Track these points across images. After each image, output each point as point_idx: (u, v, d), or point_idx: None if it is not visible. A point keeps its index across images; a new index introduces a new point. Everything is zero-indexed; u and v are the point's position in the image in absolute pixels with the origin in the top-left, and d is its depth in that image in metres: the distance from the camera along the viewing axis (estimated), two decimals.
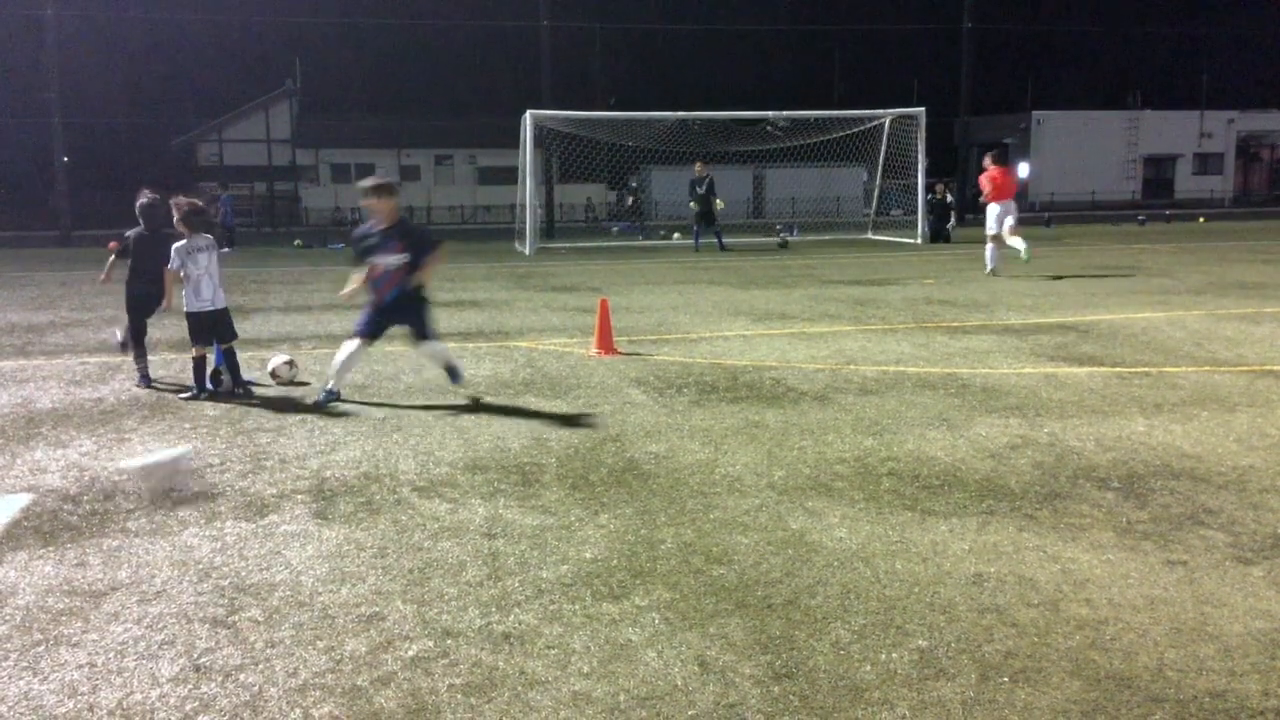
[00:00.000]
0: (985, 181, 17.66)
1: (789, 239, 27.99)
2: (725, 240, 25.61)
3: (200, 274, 8.01)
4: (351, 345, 7.76)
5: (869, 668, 3.45)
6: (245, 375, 8.68)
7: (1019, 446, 6.21)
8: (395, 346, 10.48)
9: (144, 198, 8.53)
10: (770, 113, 29.16)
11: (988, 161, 18.00)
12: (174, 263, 7.94)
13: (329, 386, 7.78)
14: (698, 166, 24.86)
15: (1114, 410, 7.13)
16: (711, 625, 3.79)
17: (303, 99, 55.35)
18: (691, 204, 25.12)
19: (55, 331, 12.05)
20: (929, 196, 28.21)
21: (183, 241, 7.98)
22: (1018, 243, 17.07)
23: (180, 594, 4.15)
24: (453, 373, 7.94)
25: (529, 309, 13.59)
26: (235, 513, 5.17)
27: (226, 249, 28.64)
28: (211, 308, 8.06)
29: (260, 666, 3.52)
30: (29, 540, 4.81)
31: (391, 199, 7.67)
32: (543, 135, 29.46)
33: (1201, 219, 34.93)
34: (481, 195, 52.99)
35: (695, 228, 25.60)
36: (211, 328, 8.05)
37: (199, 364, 8.00)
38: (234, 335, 8.24)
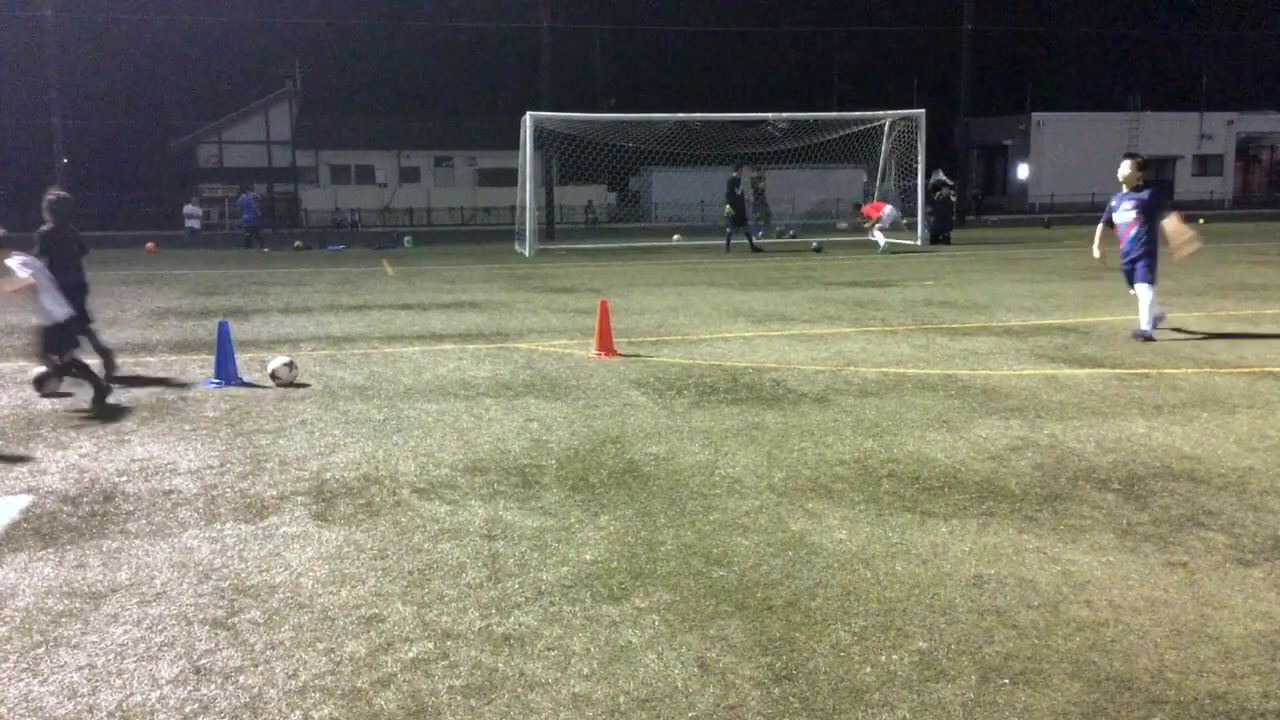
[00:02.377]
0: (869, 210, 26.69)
1: (819, 244, 28.02)
2: (733, 242, 25.88)
3: (48, 280, 7.89)
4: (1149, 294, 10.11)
5: (869, 669, 3.45)
6: (245, 377, 8.69)
7: (1019, 448, 6.20)
8: (395, 348, 10.47)
9: (52, 194, 8.92)
10: (770, 114, 29.16)
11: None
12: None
13: (1145, 329, 10.02)
14: (745, 171, 25.54)
15: (1114, 412, 7.13)
16: (711, 627, 3.79)
17: (302, 100, 55.37)
18: (727, 207, 25.57)
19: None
20: (935, 194, 28.34)
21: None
22: (879, 237, 25.42)
23: (180, 595, 4.15)
24: (1155, 323, 10.22)
25: (529, 310, 13.59)
26: (235, 514, 5.16)
27: (265, 249, 28.90)
28: (68, 315, 7.97)
29: (260, 668, 3.52)
30: (29, 542, 4.81)
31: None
32: (543, 136, 29.46)
33: (1201, 220, 34.95)
34: (481, 197, 53.02)
35: (728, 230, 26.17)
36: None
37: (84, 366, 7.85)
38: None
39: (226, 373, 8.58)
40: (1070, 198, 53.36)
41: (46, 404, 7.88)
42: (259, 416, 7.38)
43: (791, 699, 3.27)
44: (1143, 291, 10.11)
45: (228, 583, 4.27)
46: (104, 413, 7.55)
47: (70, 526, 5.01)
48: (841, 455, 6.10)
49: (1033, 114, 56.45)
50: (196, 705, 3.28)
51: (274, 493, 5.51)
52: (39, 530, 4.97)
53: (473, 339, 11.04)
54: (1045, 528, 4.81)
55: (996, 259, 21.46)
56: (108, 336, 11.53)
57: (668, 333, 11.31)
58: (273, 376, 8.49)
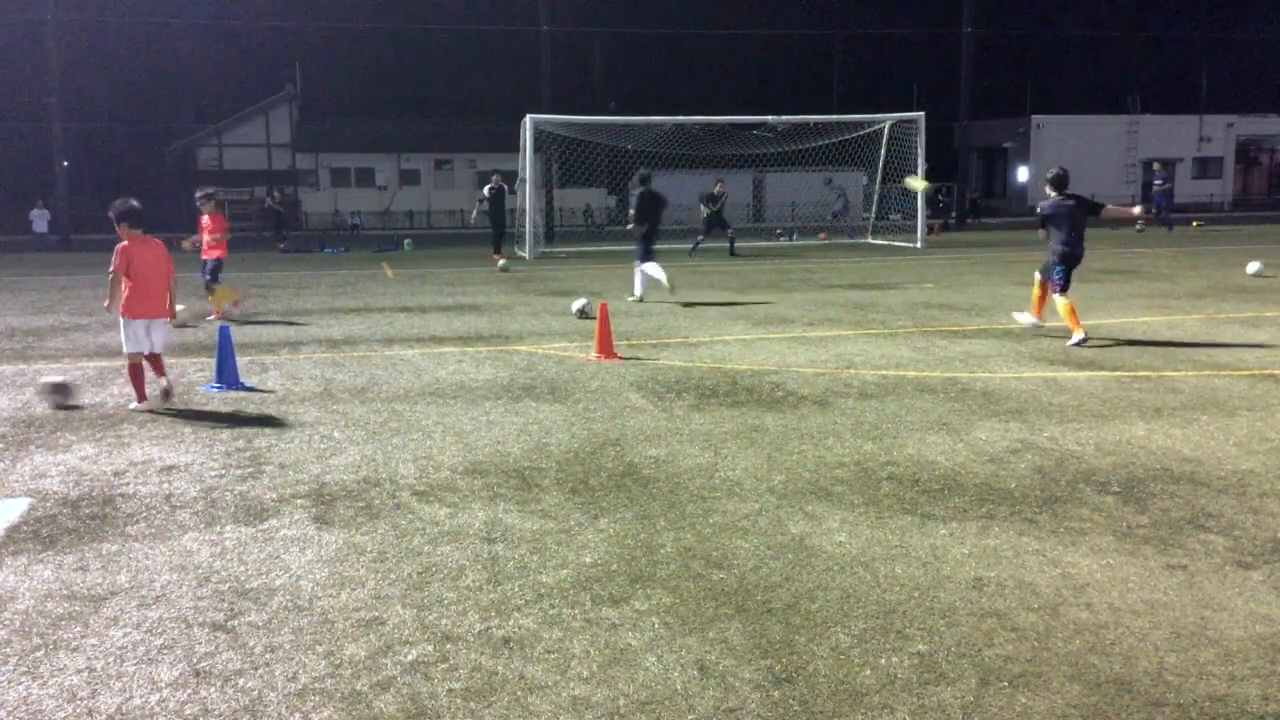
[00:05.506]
0: None
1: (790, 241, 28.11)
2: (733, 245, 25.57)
3: None
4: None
5: (869, 672, 3.45)
6: (245, 381, 8.69)
7: (1019, 451, 6.21)
8: (395, 350, 10.48)
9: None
10: (770, 117, 29.15)
11: None
12: None
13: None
14: (718, 187, 24.93)
15: (1114, 414, 7.14)
16: (711, 630, 3.79)
17: (303, 103, 55.37)
18: (703, 209, 25.24)
19: (55, 336, 12.05)
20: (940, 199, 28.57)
21: None
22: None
23: (180, 598, 4.15)
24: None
25: (529, 313, 13.59)
26: (235, 517, 5.17)
27: (282, 246, 29.44)
28: None
29: (260, 671, 3.52)
30: (28, 545, 4.81)
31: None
32: (542, 140, 29.47)
33: (1195, 224, 34.91)
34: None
35: (699, 236, 25.62)
36: None
37: None
38: None
39: (227, 376, 8.58)
40: None
41: (47, 406, 7.88)
42: (259, 420, 7.38)
43: (791, 702, 3.27)
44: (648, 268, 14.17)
45: (227, 585, 4.28)
46: (104, 416, 7.55)
47: (70, 529, 5.01)
48: (841, 458, 6.10)
49: (1032, 116, 56.45)
50: (196, 708, 3.28)
51: (274, 495, 5.51)
52: (39, 533, 4.97)
53: (473, 341, 11.04)
54: (1045, 530, 4.81)
55: (996, 261, 21.46)
56: (106, 340, 11.53)
57: (667, 335, 11.32)
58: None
